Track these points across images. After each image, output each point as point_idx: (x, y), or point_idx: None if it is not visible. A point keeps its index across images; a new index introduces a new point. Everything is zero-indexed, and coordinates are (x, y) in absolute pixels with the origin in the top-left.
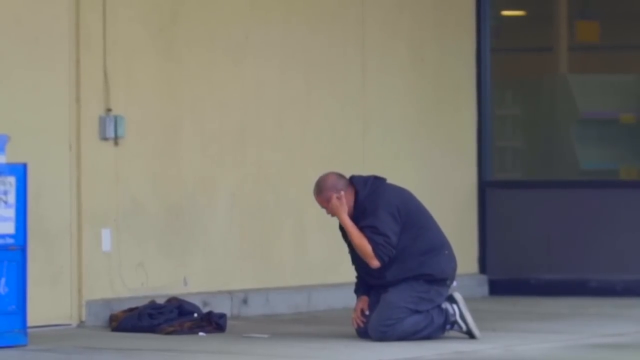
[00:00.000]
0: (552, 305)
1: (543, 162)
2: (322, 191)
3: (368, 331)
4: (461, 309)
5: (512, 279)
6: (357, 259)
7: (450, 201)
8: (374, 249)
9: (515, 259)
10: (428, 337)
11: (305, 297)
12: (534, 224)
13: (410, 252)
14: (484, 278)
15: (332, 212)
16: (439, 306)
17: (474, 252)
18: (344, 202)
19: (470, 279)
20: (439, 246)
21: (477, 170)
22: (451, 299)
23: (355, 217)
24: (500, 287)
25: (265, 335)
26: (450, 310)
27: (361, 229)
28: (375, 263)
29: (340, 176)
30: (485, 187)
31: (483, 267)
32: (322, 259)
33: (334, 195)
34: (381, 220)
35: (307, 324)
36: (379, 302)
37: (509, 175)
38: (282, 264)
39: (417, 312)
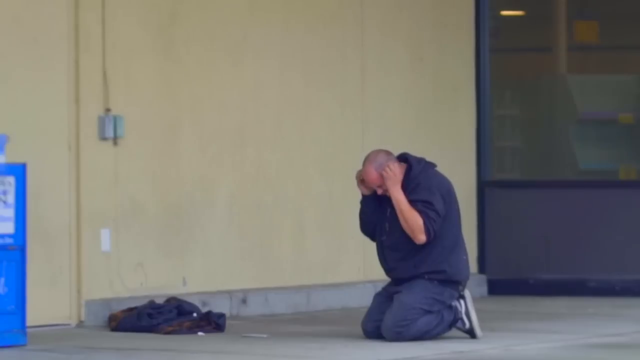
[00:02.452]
0: (551, 305)
1: (542, 162)
2: (373, 162)
3: (382, 332)
4: (468, 306)
5: (511, 279)
6: (382, 251)
7: None
8: (425, 222)
9: (514, 258)
10: (438, 335)
11: (304, 297)
12: (533, 224)
13: (437, 243)
14: (482, 278)
15: (386, 185)
16: (449, 305)
17: (473, 251)
18: (397, 172)
19: (470, 278)
20: (461, 248)
21: (476, 170)
22: (461, 296)
23: (406, 191)
24: (499, 287)
25: (264, 335)
26: (459, 308)
27: (412, 202)
28: (422, 238)
29: (390, 152)
30: (484, 187)
31: (482, 266)
32: (321, 258)
33: (389, 165)
34: (435, 197)
35: (306, 324)
36: (393, 303)
37: (508, 175)
38: (281, 263)
39: (430, 312)
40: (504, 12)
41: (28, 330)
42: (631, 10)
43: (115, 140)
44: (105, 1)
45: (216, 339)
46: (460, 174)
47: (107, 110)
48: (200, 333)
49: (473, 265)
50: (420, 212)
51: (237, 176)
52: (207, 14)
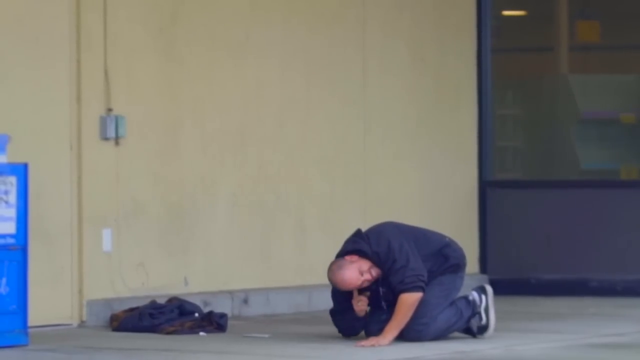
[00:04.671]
0: (552, 305)
1: (543, 161)
2: (349, 268)
3: (402, 333)
4: (489, 302)
5: (513, 279)
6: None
7: (450, 201)
8: (409, 290)
9: (516, 258)
10: (457, 331)
11: (306, 297)
12: (535, 224)
13: (431, 261)
14: (484, 278)
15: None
16: (466, 298)
17: (474, 251)
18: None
19: (471, 278)
20: (442, 242)
21: (478, 170)
22: (482, 290)
23: (385, 277)
24: (500, 287)
25: (266, 335)
26: (478, 302)
27: (394, 274)
28: (419, 296)
29: (348, 264)
30: (486, 187)
31: (483, 266)
32: (322, 258)
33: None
34: (397, 252)
35: (308, 324)
36: None
37: (509, 175)
38: (282, 263)
39: (449, 304)
40: (506, 12)
41: (30, 330)
42: (633, 10)
43: (116, 140)
44: (107, 1)
45: (218, 339)
46: (462, 173)
47: (109, 110)
48: (201, 333)
49: (474, 265)
50: (400, 283)
51: (239, 176)
52: (208, 14)
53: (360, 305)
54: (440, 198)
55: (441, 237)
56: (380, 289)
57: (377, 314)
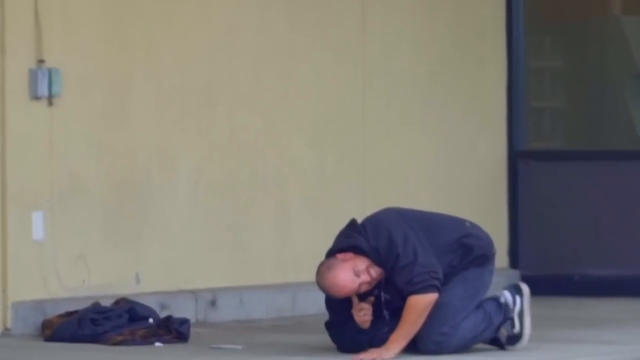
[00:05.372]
0: (601, 309)
1: (590, 127)
2: (344, 268)
3: (417, 344)
4: (524, 305)
5: (551, 276)
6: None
7: (472, 177)
8: (419, 291)
9: (555, 250)
10: (484, 341)
11: (288, 298)
12: (579, 206)
13: (451, 252)
14: (515, 274)
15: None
16: (497, 300)
17: (503, 241)
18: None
19: (498, 275)
20: (462, 229)
21: (507, 137)
22: (517, 289)
23: (388, 276)
24: (535, 286)
25: (239, 347)
26: (511, 305)
27: (399, 274)
28: (433, 298)
29: (340, 264)
30: (517, 159)
31: (514, 260)
32: (309, 249)
33: (362, 280)
34: (401, 245)
35: (291, 332)
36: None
37: (546, 144)
38: (259, 256)
39: (475, 308)
40: None
41: None
42: None
43: (50, 99)
44: None
45: (178, 351)
46: (487, 143)
47: (40, 61)
48: (157, 344)
49: (503, 259)
50: (409, 283)
51: (204, 145)
52: None
53: (363, 315)
54: (460, 173)
55: (460, 222)
56: (382, 295)
57: (379, 325)
